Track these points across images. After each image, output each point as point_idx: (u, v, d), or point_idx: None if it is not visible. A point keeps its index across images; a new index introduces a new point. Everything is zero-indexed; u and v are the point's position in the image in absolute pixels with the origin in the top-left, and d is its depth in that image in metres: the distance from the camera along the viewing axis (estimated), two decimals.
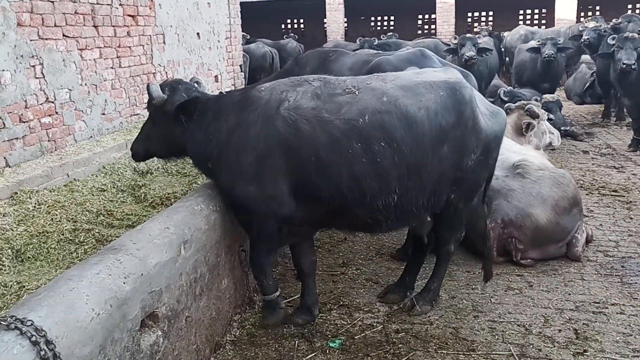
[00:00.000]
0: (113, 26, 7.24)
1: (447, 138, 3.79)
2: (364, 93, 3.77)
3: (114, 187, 5.51)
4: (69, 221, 4.47)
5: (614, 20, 11.82)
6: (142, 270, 2.87)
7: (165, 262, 3.09)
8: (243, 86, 11.59)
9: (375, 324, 4.14)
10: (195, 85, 4.27)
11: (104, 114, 7.01)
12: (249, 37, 15.11)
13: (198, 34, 9.87)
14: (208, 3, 10.27)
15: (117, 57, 7.35)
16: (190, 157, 4.13)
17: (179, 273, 3.25)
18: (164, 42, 8.59)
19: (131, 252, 2.90)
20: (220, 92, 4.43)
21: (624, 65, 8.65)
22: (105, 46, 7.04)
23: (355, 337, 3.96)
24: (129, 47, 7.64)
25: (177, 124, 3.93)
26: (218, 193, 3.99)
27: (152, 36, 8.21)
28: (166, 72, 8.68)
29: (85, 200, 4.95)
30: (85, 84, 6.62)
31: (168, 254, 3.14)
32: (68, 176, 5.53)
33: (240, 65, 12.33)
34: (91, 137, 6.70)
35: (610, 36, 9.82)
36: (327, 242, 5.68)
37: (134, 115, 7.79)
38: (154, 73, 8.31)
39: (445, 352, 3.76)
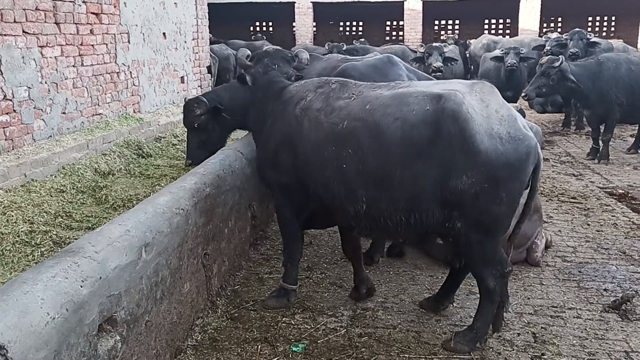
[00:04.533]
0: (75, 23, 7.08)
1: (424, 153, 3.50)
2: (357, 99, 3.82)
3: (73, 188, 5.38)
4: (25, 223, 4.34)
5: (564, 36, 12.22)
6: (101, 274, 2.80)
7: (125, 265, 3.03)
8: (210, 88, 11.47)
9: (338, 328, 4.14)
10: (297, 58, 4.98)
11: (64, 113, 6.84)
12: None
13: (164, 33, 9.74)
14: (175, 3, 10.15)
15: (80, 55, 7.19)
16: (249, 126, 4.63)
17: (139, 277, 3.18)
18: (128, 41, 8.44)
19: (89, 255, 2.83)
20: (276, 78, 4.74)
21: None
22: (67, 44, 6.88)
23: (319, 342, 3.95)
24: (92, 45, 7.48)
25: (245, 91, 4.50)
26: (182, 196, 3.94)
27: (116, 35, 8.07)
28: (130, 72, 8.54)
29: (42, 202, 4.82)
30: (46, 82, 6.45)
31: (128, 257, 3.07)
32: (25, 176, 5.37)
33: (208, 67, 12.21)
34: (51, 136, 6.53)
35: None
36: None
37: (96, 115, 7.62)
38: (117, 72, 8.16)
39: (407, 355, 3.78)
